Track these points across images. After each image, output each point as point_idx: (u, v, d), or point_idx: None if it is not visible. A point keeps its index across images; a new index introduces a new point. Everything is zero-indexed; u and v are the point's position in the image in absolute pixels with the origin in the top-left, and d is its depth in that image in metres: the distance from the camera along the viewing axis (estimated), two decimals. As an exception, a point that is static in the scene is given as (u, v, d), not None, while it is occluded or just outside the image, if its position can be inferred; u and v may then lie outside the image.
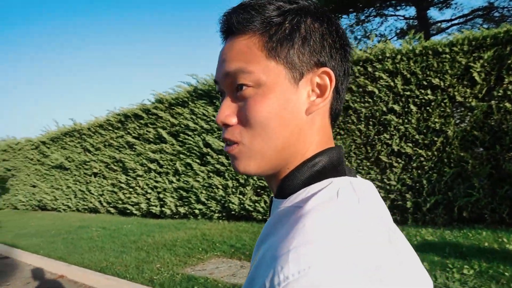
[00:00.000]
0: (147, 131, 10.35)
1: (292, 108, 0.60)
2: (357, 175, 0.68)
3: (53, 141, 14.12)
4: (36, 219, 13.01)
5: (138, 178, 10.69)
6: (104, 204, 12.09)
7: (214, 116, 8.81)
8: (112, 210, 11.87)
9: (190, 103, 9.29)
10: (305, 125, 0.62)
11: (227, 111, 0.62)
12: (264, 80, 0.59)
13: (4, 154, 17.15)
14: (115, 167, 11.50)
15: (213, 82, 8.66)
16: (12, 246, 8.87)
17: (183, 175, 9.41)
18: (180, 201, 9.57)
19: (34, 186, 15.49)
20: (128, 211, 11.14)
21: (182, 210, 9.48)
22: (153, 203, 10.20)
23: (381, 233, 0.51)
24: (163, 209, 9.93)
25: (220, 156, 8.64)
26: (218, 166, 8.64)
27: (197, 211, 9.16)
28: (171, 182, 9.73)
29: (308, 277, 0.43)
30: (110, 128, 11.61)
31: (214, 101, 8.81)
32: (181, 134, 9.42)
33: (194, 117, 9.19)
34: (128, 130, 10.96)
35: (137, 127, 10.67)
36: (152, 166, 10.18)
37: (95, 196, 12.39)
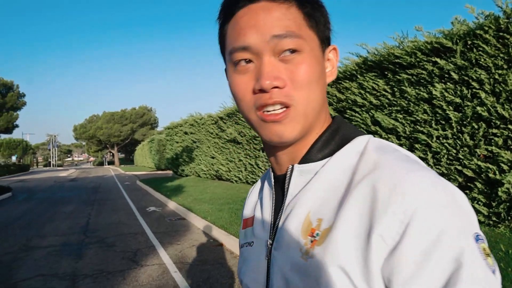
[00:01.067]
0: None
1: (323, 76, 0.66)
2: None
3: (228, 116, 15.24)
4: (212, 187, 14.37)
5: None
6: (270, 178, 12.44)
7: (385, 90, 7.81)
8: (277, 185, 12.11)
9: (358, 76, 8.48)
10: (325, 93, 0.68)
11: (275, 73, 0.61)
12: (311, 46, 0.63)
13: (191, 128, 19.52)
14: (280, 143, 11.62)
15: (386, 52, 7.65)
16: (188, 209, 9.86)
17: (346, 155, 8.76)
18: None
19: (213, 157, 17.16)
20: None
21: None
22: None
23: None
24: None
25: (390, 136, 7.65)
26: (385, 147, 7.67)
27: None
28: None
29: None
30: (277, 104, 11.73)
31: (386, 73, 7.78)
32: (348, 111, 8.72)
33: (362, 91, 8.36)
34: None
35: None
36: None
37: (262, 170, 12.87)
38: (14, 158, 66.46)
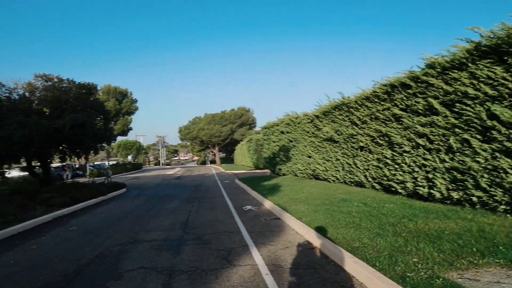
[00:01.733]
0: (415, 101, 9.10)
1: None
2: None
3: (324, 115, 14.79)
4: (309, 187, 14.05)
5: (404, 154, 9.66)
6: (369, 179, 11.70)
7: (504, 78, 6.71)
8: (377, 186, 11.33)
9: (469, 64, 7.44)
10: None
11: None
12: None
13: (287, 127, 19.44)
14: (380, 141, 10.85)
15: (505, 34, 6.54)
16: (284, 209, 9.70)
17: (458, 154, 7.75)
18: (453, 184, 7.97)
19: (309, 157, 16.84)
20: (393, 189, 10.32)
21: (455, 195, 7.87)
22: (420, 183, 8.97)
23: None
24: (431, 191, 8.57)
25: (511, 131, 6.55)
26: (508, 144, 6.58)
27: (475, 199, 7.37)
28: (442, 160, 8.22)
29: None
30: (376, 100, 10.98)
31: (506, 58, 6.68)
32: (457, 104, 7.72)
33: (474, 81, 7.32)
34: (395, 102, 10.01)
35: (405, 98, 9.57)
36: (420, 141, 8.92)
37: (360, 170, 12.18)
38: (129, 158, 74.12)
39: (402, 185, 9.83)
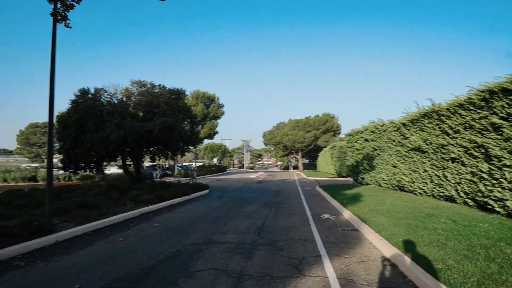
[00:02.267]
0: (519, 110, 8.07)
1: None
2: None
3: (412, 122, 13.86)
4: (392, 198, 13.26)
5: (504, 168, 8.61)
6: (461, 193, 10.65)
7: None
8: (470, 202, 10.26)
9: None
10: None
11: None
12: None
13: (372, 135, 18.62)
14: (475, 153, 9.82)
15: None
16: (363, 220, 9.26)
17: None
18: None
19: (394, 167, 15.91)
20: (489, 206, 9.25)
21: None
22: (522, 203, 7.92)
23: None
24: (536, 212, 7.51)
25: None
26: None
27: None
28: (551, 178, 7.16)
29: None
30: (471, 107, 9.97)
31: None
32: None
33: None
34: (494, 109, 8.98)
35: (506, 105, 8.54)
36: (524, 155, 7.88)
37: (451, 183, 11.15)
38: (215, 160, 77.25)
39: (501, 203, 8.77)
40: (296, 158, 76.39)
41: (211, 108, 52.15)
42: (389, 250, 6.35)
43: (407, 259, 5.54)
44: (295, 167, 77.54)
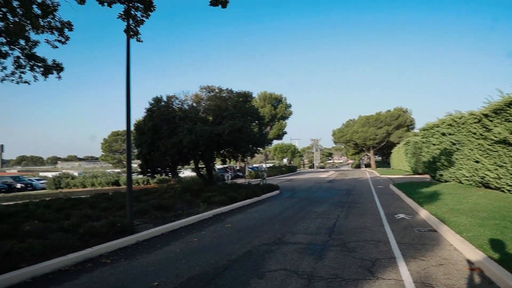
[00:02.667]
0: None
1: None
2: None
3: (496, 113, 12.70)
4: (475, 196, 12.28)
5: None
6: (558, 190, 9.55)
7: None
8: None
9: None
10: None
11: None
12: None
13: (449, 128, 17.41)
14: None
15: None
16: (441, 220, 8.70)
17: None
18: None
19: (477, 162, 14.71)
20: None
21: None
22: None
23: None
24: None
25: None
26: None
27: None
28: None
29: None
30: None
31: None
32: None
33: None
34: None
35: None
36: None
37: (545, 179, 10.04)
38: (285, 160, 77.39)
39: None
40: (367, 155, 73.96)
41: (278, 109, 52.36)
42: (472, 253, 5.88)
43: (494, 264, 5.09)
44: (367, 165, 75.04)
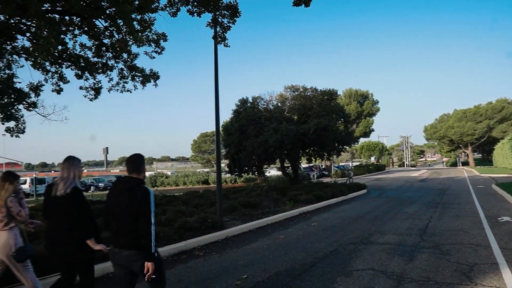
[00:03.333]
0: None
1: None
2: None
3: None
4: None
5: None
6: None
7: None
8: None
9: None
10: None
11: None
12: None
13: None
14: None
15: None
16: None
17: None
18: None
19: None
20: None
21: None
22: None
23: None
24: None
25: None
26: None
27: None
28: None
29: None
30: None
31: None
32: None
33: None
34: None
35: None
36: None
37: None
38: (372, 159, 74.56)
39: None
40: (465, 152, 68.14)
41: (365, 106, 50.79)
42: None
43: None
44: (465, 163, 69.03)
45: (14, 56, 10.38)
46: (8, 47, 9.91)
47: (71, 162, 3.84)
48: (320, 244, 7.53)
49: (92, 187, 29.42)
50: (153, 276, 3.16)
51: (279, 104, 20.25)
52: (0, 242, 4.03)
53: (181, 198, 15.15)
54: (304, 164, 35.71)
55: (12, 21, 8.30)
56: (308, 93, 20.15)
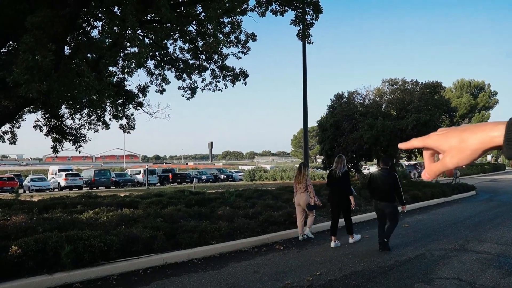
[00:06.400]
0: None
1: None
2: None
3: None
4: None
5: None
6: None
7: None
8: None
9: None
10: None
11: None
12: None
13: None
14: None
15: None
16: None
17: None
18: None
19: None
20: None
21: None
22: None
23: None
24: None
25: None
26: None
27: None
28: None
29: None
30: None
31: None
32: None
33: None
34: None
35: None
36: None
37: None
38: (489, 157, 66.77)
39: None
40: None
41: (479, 98, 45.76)
42: None
43: None
44: None
45: (126, 61, 11.67)
46: (121, 54, 11.20)
47: (342, 158, 7.72)
48: (406, 247, 7.11)
49: (195, 179, 31.57)
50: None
51: (376, 98, 19.39)
52: (302, 198, 7.90)
53: (273, 192, 15.48)
54: (405, 162, 33.70)
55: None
56: (408, 87, 18.89)
